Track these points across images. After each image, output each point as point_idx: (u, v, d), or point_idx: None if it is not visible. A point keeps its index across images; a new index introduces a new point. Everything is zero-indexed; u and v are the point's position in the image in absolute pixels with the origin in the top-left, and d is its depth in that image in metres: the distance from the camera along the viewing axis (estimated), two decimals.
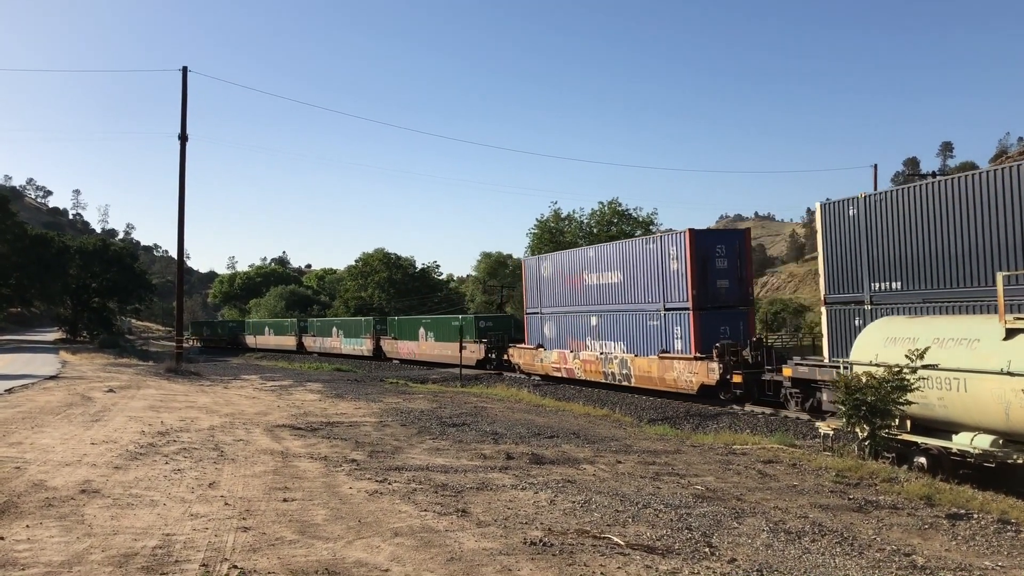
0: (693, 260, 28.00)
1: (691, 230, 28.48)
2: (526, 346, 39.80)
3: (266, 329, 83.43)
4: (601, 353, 32.80)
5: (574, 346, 35.11)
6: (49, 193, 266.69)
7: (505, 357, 42.63)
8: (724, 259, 28.71)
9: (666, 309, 29.16)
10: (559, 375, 36.22)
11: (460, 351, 41.87)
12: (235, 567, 6.77)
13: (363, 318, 66.62)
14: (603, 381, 32.63)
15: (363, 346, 61.76)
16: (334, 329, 68.48)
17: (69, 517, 8.48)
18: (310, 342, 72.36)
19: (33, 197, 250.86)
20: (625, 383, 30.98)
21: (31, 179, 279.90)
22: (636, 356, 30.46)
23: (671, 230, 31.29)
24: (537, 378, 38.56)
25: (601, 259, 33.58)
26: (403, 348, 56.18)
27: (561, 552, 7.45)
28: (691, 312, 27.89)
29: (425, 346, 52.87)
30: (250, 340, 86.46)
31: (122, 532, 7.88)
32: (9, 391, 23.40)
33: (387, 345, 58.83)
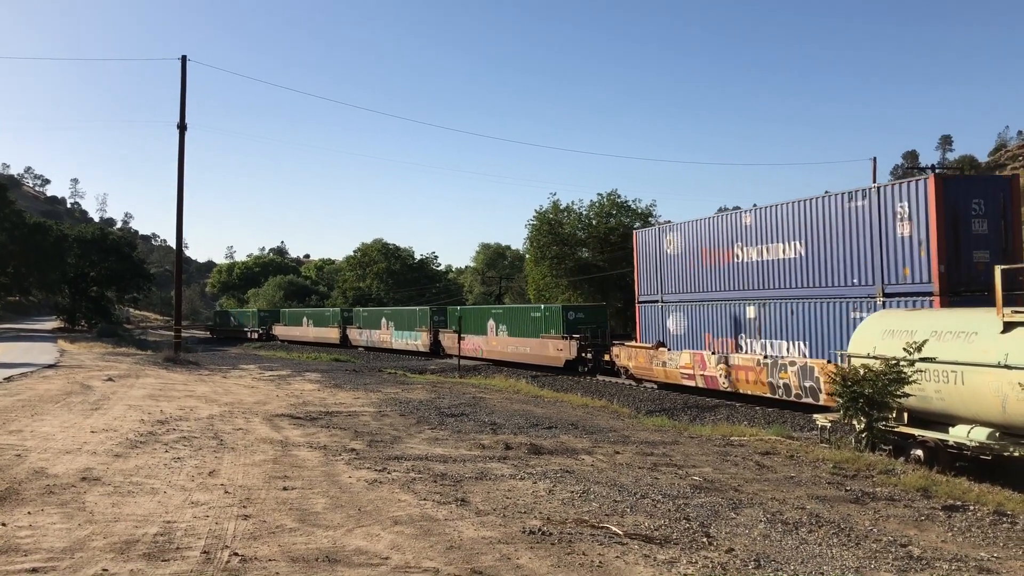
0: (940, 220, 19.46)
1: (936, 174, 20.67)
2: (640, 344, 31.39)
3: (304, 319, 75.14)
4: (766, 357, 24.33)
5: (718, 346, 27.07)
6: (47, 182, 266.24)
7: (606, 358, 34.36)
8: (983, 220, 19.96)
9: (886, 294, 20.69)
10: (691, 383, 27.62)
11: (543, 349, 36.98)
12: (236, 554, 6.81)
13: (418, 308, 58.13)
14: (768, 395, 24.07)
15: (418, 340, 53.72)
16: (383, 320, 60.62)
17: (70, 504, 8.52)
18: (355, 335, 64.87)
19: (31, 185, 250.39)
20: (809, 399, 22.13)
21: (29, 167, 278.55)
22: (829, 362, 20.98)
23: (860, 189, 21.94)
24: (653, 386, 30.57)
25: (767, 225, 25.03)
26: (468, 344, 46.87)
27: (560, 541, 7.50)
28: (936, 299, 19.33)
29: (496, 342, 45.17)
30: (281, 331, 78.67)
31: (123, 519, 7.93)
32: (8, 379, 23.43)
33: (447, 340, 50.40)
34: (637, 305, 32.52)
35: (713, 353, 26.56)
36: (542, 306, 42.86)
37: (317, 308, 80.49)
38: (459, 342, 44.03)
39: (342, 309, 70.39)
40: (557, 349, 38.28)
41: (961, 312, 15.22)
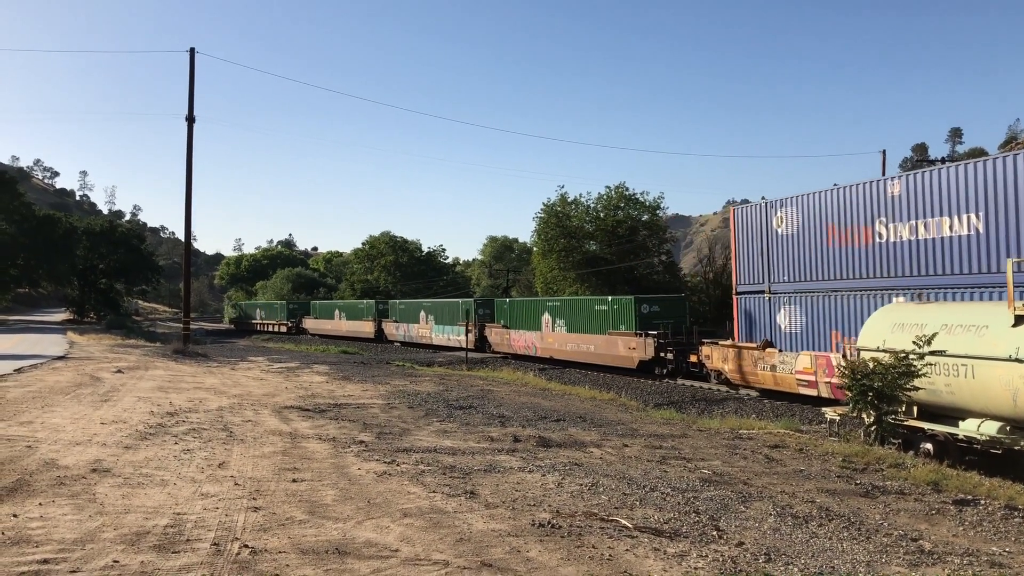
0: None
1: None
2: (740, 344, 26.22)
3: (337, 312, 70.22)
4: None
5: (852, 346, 20.12)
6: (56, 174, 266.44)
7: (693, 359, 29.55)
8: None
9: None
10: (811, 392, 22.74)
11: (611, 348, 33.29)
12: (246, 546, 6.82)
13: (461, 300, 53.49)
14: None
15: (460, 335, 47.75)
16: (422, 314, 55.64)
17: (81, 496, 8.55)
18: (391, 329, 60.27)
19: (40, 178, 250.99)
20: None
21: (38, 160, 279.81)
22: None
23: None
24: (752, 393, 25.92)
25: (924, 195, 19.95)
26: (518, 340, 43.42)
27: (569, 534, 7.49)
28: None
29: (552, 338, 40.21)
30: (312, 324, 74.55)
31: (133, 511, 7.95)
32: (18, 371, 23.53)
33: (494, 335, 46.61)
34: (735, 297, 27.12)
35: (844, 355, 19.58)
36: (609, 298, 36.97)
37: (350, 300, 75.24)
38: (508, 338, 41.62)
39: (377, 301, 65.60)
40: (629, 348, 33.31)
41: (972, 305, 15.15)
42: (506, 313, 45.95)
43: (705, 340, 28.86)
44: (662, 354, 31.47)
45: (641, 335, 32.73)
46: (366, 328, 63.46)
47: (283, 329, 78.58)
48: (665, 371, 31.59)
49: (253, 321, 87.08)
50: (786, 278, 24.45)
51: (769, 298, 25.15)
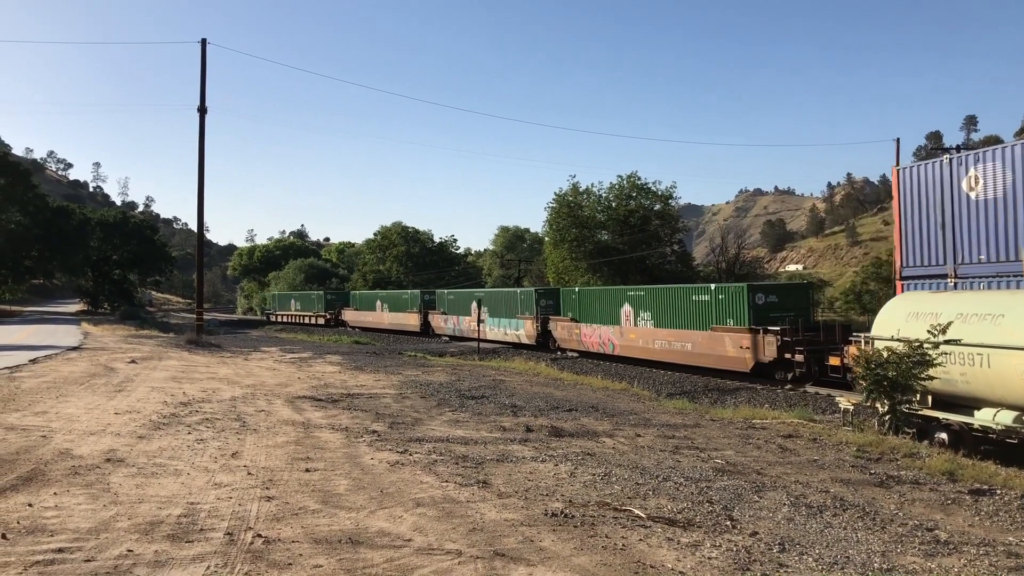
0: None
1: None
2: None
3: (379, 303, 65.80)
4: None
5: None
6: (70, 166, 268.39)
7: (835, 361, 22.14)
8: None
9: None
10: None
11: (716, 346, 28.42)
12: (259, 535, 6.83)
13: (520, 290, 47.90)
14: None
15: (520, 330, 43.59)
16: (474, 306, 47.85)
17: (95, 485, 8.58)
18: (439, 321, 55.65)
19: (54, 169, 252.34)
20: None
21: (52, 152, 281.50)
22: None
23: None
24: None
25: None
26: (591, 335, 37.13)
27: (582, 524, 7.48)
28: None
29: (635, 334, 33.43)
30: (351, 316, 70.38)
31: (147, 500, 7.97)
32: (33, 361, 23.66)
33: (561, 329, 40.58)
34: (898, 284, 21.23)
35: None
36: (712, 286, 31.03)
37: (393, 291, 69.66)
38: (578, 333, 36.68)
39: (423, 292, 60.78)
40: (740, 347, 27.96)
41: (987, 294, 15.02)
42: (575, 304, 39.48)
43: (856, 337, 18.85)
44: (787, 355, 26.07)
45: (758, 331, 27.21)
46: (411, 321, 59.19)
47: (320, 321, 74.46)
48: (791, 376, 26.31)
49: (287, 312, 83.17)
50: (983, 257, 18.20)
51: (955, 284, 18.81)
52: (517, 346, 43.98)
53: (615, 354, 35.66)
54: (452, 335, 53.38)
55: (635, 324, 34.18)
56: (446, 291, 57.37)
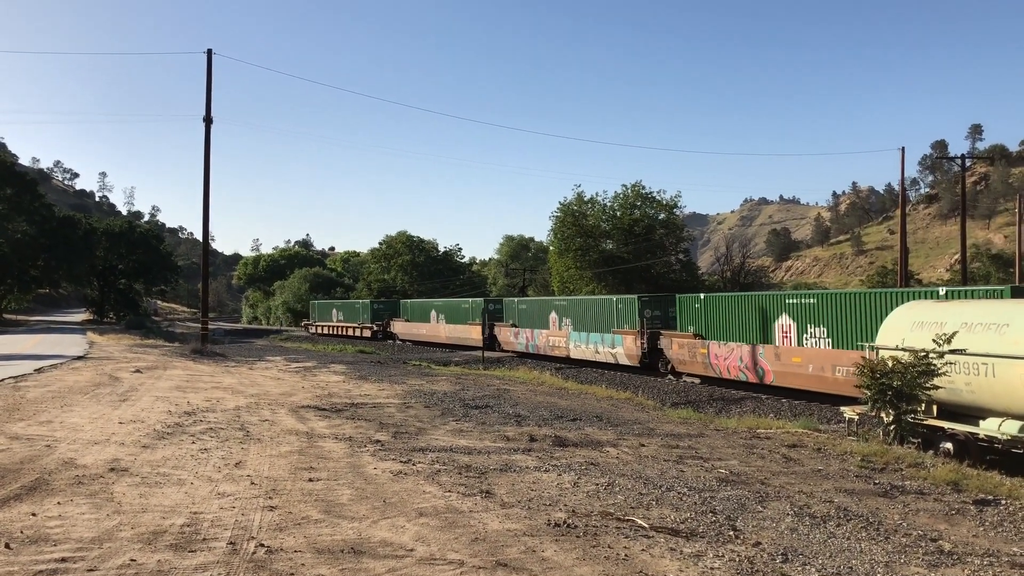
0: None
1: None
2: None
3: (434, 314, 57.74)
4: None
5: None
6: (76, 176, 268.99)
7: None
8: None
9: None
10: None
11: None
12: (262, 545, 6.83)
13: (617, 297, 38.22)
14: None
15: (617, 347, 35.57)
16: (554, 316, 42.17)
17: (99, 495, 8.59)
18: (507, 335, 47.48)
19: (60, 179, 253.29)
20: None
21: (58, 162, 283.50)
22: None
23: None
24: None
25: None
26: (721, 356, 28.35)
27: (585, 534, 7.47)
28: None
29: (801, 357, 24.73)
30: (402, 328, 62.21)
31: (150, 510, 7.98)
32: (39, 371, 23.72)
33: (676, 347, 31.23)
34: None
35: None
36: (923, 290, 24.20)
37: (452, 300, 61.51)
38: (706, 353, 28.92)
39: (487, 300, 52.81)
40: None
41: (992, 303, 15.00)
42: (698, 315, 30.64)
43: None
44: None
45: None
46: (473, 334, 49.99)
47: (366, 333, 66.39)
48: None
49: (328, 323, 75.45)
50: None
51: None
52: (612, 367, 36.20)
53: (767, 382, 26.15)
54: (524, 351, 45.37)
55: (799, 342, 25.25)
56: (516, 300, 50.00)
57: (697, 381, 30.04)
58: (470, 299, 57.01)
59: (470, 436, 13.55)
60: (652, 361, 33.31)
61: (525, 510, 8.36)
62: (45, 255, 71.43)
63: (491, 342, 47.75)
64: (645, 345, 33.36)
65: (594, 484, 9.75)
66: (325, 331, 74.63)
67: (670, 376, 31.66)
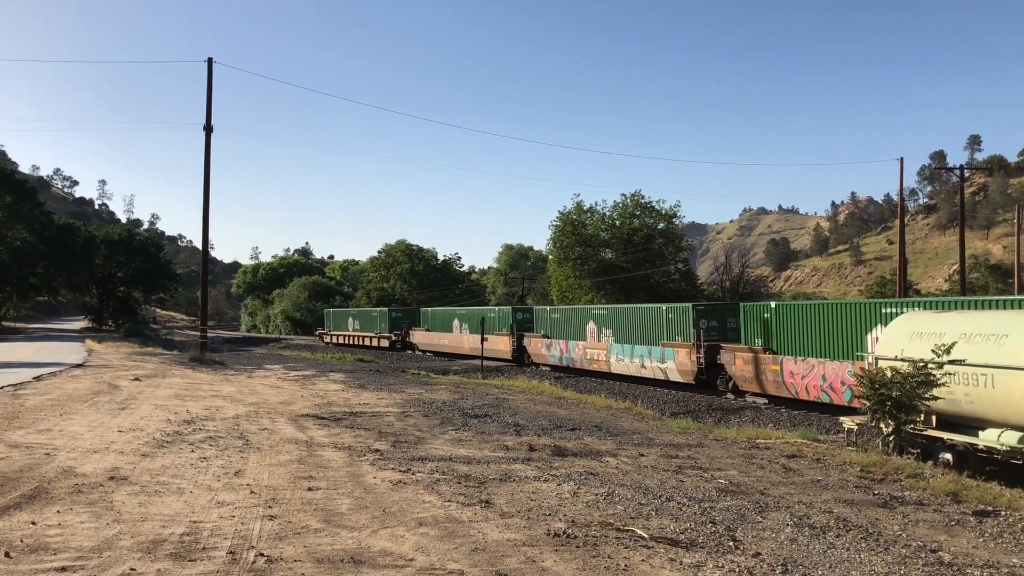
0: None
1: None
2: None
3: (456, 323, 52.74)
4: None
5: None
6: (75, 183, 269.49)
7: None
8: None
9: None
10: None
11: None
12: (261, 554, 6.83)
13: (667, 306, 33.47)
14: None
15: (668, 362, 31.30)
16: (592, 326, 37.76)
17: (98, 503, 8.59)
18: (538, 347, 42.75)
19: (60, 187, 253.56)
20: None
21: (58, 169, 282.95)
22: None
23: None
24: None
25: None
26: (805, 376, 24.38)
27: (585, 544, 7.47)
28: None
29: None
30: (422, 338, 58.20)
31: (150, 519, 7.98)
32: (38, 379, 23.70)
33: (742, 364, 27.24)
34: None
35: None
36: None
37: (475, 308, 58.10)
38: (778, 371, 25.18)
39: (515, 309, 48.23)
40: None
41: (991, 314, 15.03)
42: (768, 327, 26.25)
43: None
44: None
45: None
46: (500, 346, 46.48)
47: (383, 343, 62.77)
48: None
49: (343, 332, 71.76)
50: None
51: None
52: (661, 384, 32.39)
53: (855, 406, 19.99)
54: (557, 365, 41.07)
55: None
56: (547, 308, 44.76)
57: (764, 402, 26.30)
58: (496, 307, 53.39)
59: (469, 445, 13.54)
60: (710, 378, 29.20)
61: (524, 520, 8.36)
62: (44, 263, 71.36)
63: (520, 354, 45.06)
64: (702, 360, 29.32)
65: (593, 494, 9.75)
66: (340, 340, 71.45)
67: (729, 395, 28.09)
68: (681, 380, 30.69)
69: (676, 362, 30.83)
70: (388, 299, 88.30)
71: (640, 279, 55.70)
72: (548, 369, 41.21)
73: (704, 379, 29.38)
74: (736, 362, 27.57)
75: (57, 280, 76.61)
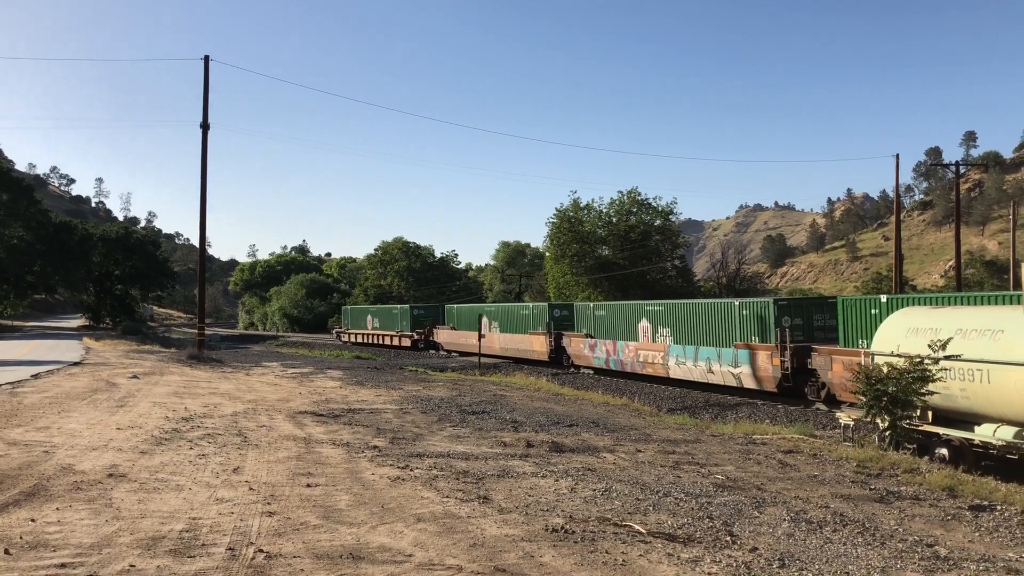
0: None
1: None
2: None
3: (485, 321, 45.06)
4: None
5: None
6: (72, 181, 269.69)
7: None
8: None
9: None
10: None
11: None
12: (261, 551, 6.86)
13: (739, 301, 29.46)
14: None
15: (740, 366, 27.55)
16: (644, 326, 33.49)
17: (97, 500, 8.61)
18: (580, 347, 38.55)
19: (56, 185, 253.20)
20: None
21: (55, 167, 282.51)
22: None
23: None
24: None
25: None
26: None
27: (583, 539, 7.50)
28: None
29: None
30: (447, 337, 54.32)
31: (149, 516, 8.00)
32: (36, 376, 23.69)
33: (841, 369, 22.74)
34: None
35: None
36: None
37: (507, 304, 53.67)
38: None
39: (552, 306, 43.96)
40: None
41: (987, 310, 15.07)
42: (874, 323, 20.83)
43: None
44: None
45: None
46: (536, 346, 42.63)
47: (404, 342, 59.80)
48: None
49: (362, 330, 68.88)
50: None
51: None
52: (733, 391, 28.65)
53: None
54: (603, 368, 36.90)
55: None
56: (591, 304, 39.94)
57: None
58: (531, 304, 49.19)
59: (467, 442, 13.57)
60: (796, 385, 25.46)
61: (523, 516, 8.39)
62: (41, 261, 71.28)
63: (558, 355, 40.95)
64: (787, 364, 25.25)
65: (591, 490, 9.78)
66: (359, 339, 68.72)
67: (820, 405, 24.30)
68: (759, 387, 26.90)
69: (754, 366, 26.87)
70: (385, 296, 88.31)
71: (637, 276, 55.74)
72: (591, 372, 37.75)
73: (789, 386, 25.58)
74: (833, 367, 23.44)
75: (54, 278, 76.57)
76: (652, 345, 32.74)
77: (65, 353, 35.89)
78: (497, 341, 46.65)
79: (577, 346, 38.87)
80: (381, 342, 63.68)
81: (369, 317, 69.13)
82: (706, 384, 29.58)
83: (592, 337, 37.68)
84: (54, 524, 7.61)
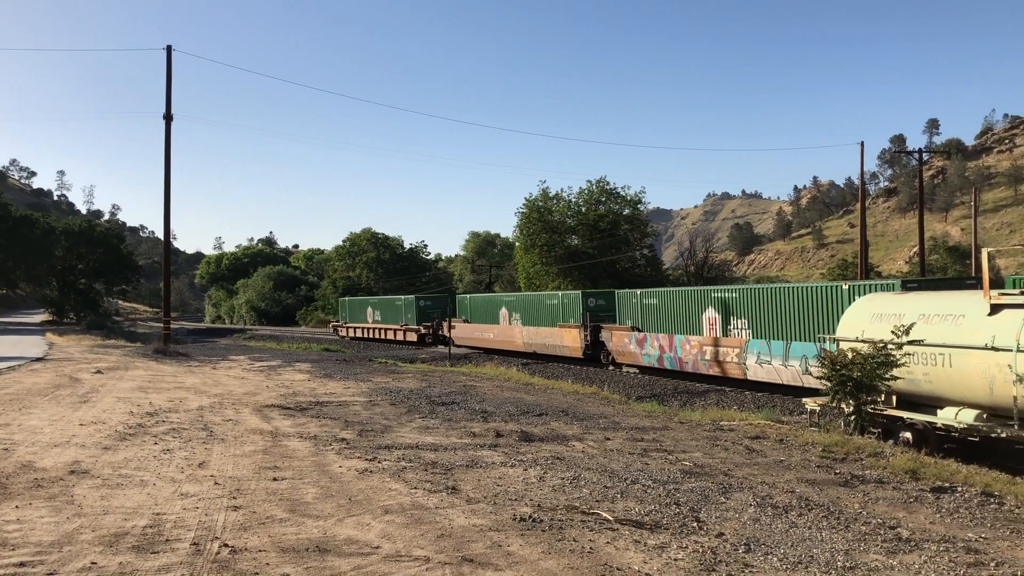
0: None
1: None
2: None
3: (503, 312, 43.75)
4: None
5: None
6: (33, 174, 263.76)
7: None
8: None
9: None
10: None
11: None
12: (226, 545, 6.79)
13: (846, 285, 22.64)
14: None
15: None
16: (711, 316, 28.11)
17: (58, 498, 8.48)
18: (623, 342, 33.04)
19: (17, 178, 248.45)
20: None
21: (14, 160, 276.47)
22: None
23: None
24: None
25: None
26: None
27: (550, 528, 7.51)
28: None
29: None
30: (461, 332, 46.63)
31: (112, 512, 7.89)
32: None
33: None
34: None
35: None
36: None
37: (530, 294, 47.04)
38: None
39: (586, 294, 38.23)
40: None
41: (949, 295, 15.28)
42: None
43: None
44: None
45: None
46: (566, 340, 37.25)
47: (411, 337, 53.91)
48: None
49: (362, 324, 63.39)
50: None
51: None
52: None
53: None
54: (654, 366, 31.10)
55: None
56: (639, 292, 33.63)
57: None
58: (559, 292, 42.42)
59: (436, 433, 13.54)
60: None
61: (491, 505, 8.38)
62: (2, 255, 70.07)
63: (595, 351, 35.40)
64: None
65: (560, 478, 9.80)
66: (359, 334, 63.15)
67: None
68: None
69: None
70: (354, 288, 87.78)
71: (606, 265, 55.93)
72: (636, 372, 32.19)
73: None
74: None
75: (16, 273, 75.37)
76: (725, 340, 27.10)
77: (27, 349, 35.29)
78: (520, 335, 41.44)
79: (620, 340, 33.14)
80: (383, 336, 58.57)
81: (369, 310, 63.31)
82: (801, 388, 22.63)
83: (639, 330, 32.09)
84: (13, 523, 7.47)
